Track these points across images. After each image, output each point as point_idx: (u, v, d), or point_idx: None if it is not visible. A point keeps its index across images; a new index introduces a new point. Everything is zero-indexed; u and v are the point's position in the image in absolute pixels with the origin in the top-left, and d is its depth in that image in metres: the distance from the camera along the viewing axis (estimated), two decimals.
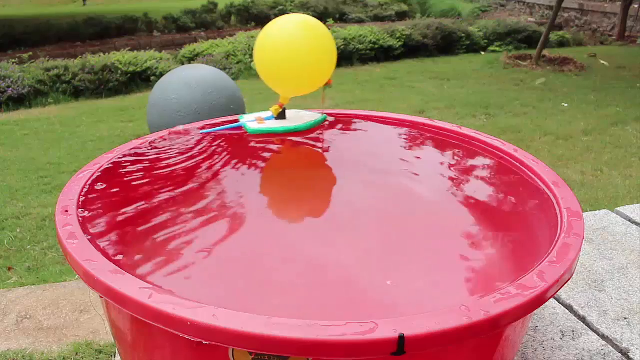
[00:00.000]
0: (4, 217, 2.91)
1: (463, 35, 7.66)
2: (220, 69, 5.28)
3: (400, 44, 7.16)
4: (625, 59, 7.07)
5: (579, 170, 3.51)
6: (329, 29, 1.69)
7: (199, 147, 1.60)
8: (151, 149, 1.53)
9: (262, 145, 1.64)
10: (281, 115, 1.67)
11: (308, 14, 2.16)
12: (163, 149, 1.55)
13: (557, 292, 0.94)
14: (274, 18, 1.68)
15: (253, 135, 1.64)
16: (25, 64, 5.88)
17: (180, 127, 1.63)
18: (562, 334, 1.40)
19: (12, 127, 4.57)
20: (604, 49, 7.95)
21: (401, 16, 10.55)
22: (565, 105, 5.08)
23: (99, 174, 1.31)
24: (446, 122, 1.73)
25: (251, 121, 1.68)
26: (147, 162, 1.47)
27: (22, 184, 3.36)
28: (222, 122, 1.70)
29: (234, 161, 1.55)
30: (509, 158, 1.48)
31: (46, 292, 2.11)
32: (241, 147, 1.63)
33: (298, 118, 1.70)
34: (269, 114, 1.68)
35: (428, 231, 1.28)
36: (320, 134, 1.71)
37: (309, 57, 1.56)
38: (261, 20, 9.45)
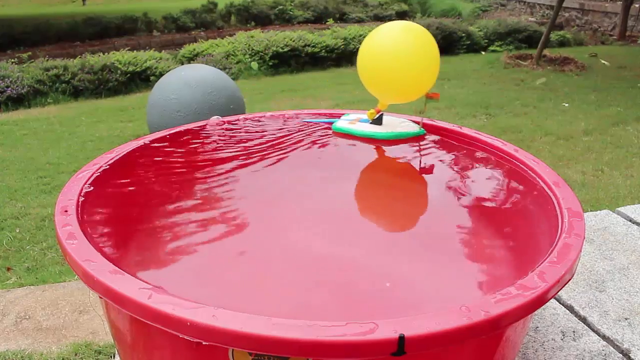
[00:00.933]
0: (3, 217, 2.90)
1: (463, 35, 7.66)
2: (220, 69, 5.27)
3: None
4: (626, 59, 7.07)
5: (580, 170, 3.51)
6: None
7: (197, 147, 1.60)
8: (150, 149, 1.52)
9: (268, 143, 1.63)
10: (377, 121, 1.63)
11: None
12: (163, 149, 1.54)
13: (557, 292, 0.94)
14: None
15: (337, 133, 1.66)
16: (24, 64, 5.88)
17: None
18: (563, 335, 1.40)
19: (11, 127, 4.56)
20: (605, 48, 7.95)
21: (401, 16, 10.55)
22: (566, 105, 5.08)
23: (99, 174, 1.31)
24: (446, 122, 1.73)
25: (345, 120, 1.68)
26: (146, 162, 1.47)
27: (21, 184, 3.35)
28: (326, 114, 1.76)
29: (238, 159, 1.55)
30: (509, 158, 1.47)
31: (45, 292, 2.11)
32: (242, 148, 1.63)
33: (391, 126, 1.65)
34: (366, 116, 1.67)
35: (428, 231, 1.27)
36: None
37: (414, 63, 1.54)
38: (261, 20, 9.43)
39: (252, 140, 1.67)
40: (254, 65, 6.33)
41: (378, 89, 1.63)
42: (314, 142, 1.64)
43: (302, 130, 1.71)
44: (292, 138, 1.66)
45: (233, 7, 9.82)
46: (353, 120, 1.68)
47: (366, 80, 1.62)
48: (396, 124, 1.66)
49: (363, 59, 1.61)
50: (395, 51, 1.54)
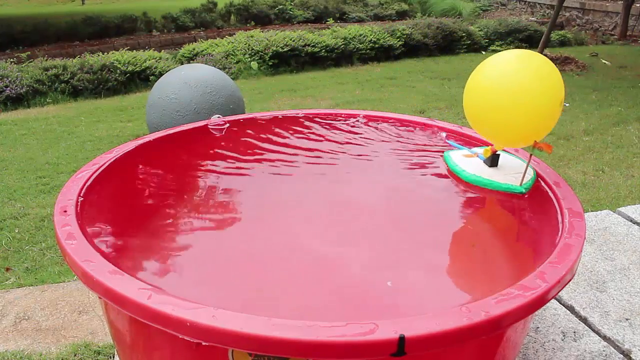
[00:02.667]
0: (2, 217, 2.90)
1: (464, 34, 7.65)
2: (220, 69, 5.27)
3: (400, 43, 7.15)
4: (627, 59, 7.06)
5: (581, 171, 3.50)
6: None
7: (194, 148, 1.60)
8: (150, 151, 1.52)
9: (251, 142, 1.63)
10: (493, 162, 1.44)
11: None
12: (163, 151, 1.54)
13: (558, 292, 0.94)
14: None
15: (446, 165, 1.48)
16: (23, 64, 5.87)
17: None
18: (564, 335, 1.39)
19: (10, 127, 4.56)
20: (606, 48, 7.94)
21: (401, 15, 10.54)
22: (567, 104, 5.07)
23: (98, 174, 1.30)
24: (447, 122, 1.72)
25: (460, 153, 1.52)
26: (146, 163, 1.46)
27: (21, 184, 3.35)
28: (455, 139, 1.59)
29: (238, 162, 1.54)
30: None
31: (44, 292, 2.10)
32: (243, 148, 1.62)
33: (508, 168, 1.43)
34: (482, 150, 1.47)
35: (428, 231, 1.27)
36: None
37: (532, 104, 1.26)
38: (261, 19, 9.42)
39: (262, 142, 1.66)
40: (254, 65, 6.33)
41: (483, 128, 1.39)
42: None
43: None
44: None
45: (233, 7, 9.81)
46: (470, 154, 1.50)
47: (472, 119, 1.39)
48: (511, 165, 1.44)
49: (470, 95, 1.37)
50: (510, 88, 1.26)
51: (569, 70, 6.36)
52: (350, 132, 1.74)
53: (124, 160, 1.39)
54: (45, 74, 5.49)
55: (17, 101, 5.24)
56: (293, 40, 6.54)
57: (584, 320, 1.45)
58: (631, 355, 1.32)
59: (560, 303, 1.53)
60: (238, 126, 1.68)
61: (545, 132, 1.32)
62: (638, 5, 8.71)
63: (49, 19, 8.72)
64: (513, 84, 1.26)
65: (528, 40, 7.92)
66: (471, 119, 1.40)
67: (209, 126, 1.60)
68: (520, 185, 1.32)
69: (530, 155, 1.36)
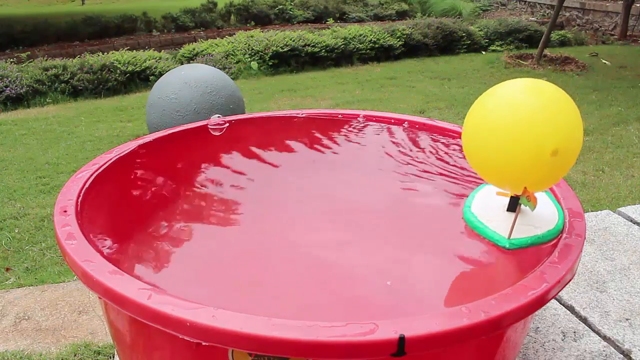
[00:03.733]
0: (2, 217, 2.90)
1: (464, 34, 7.65)
2: (220, 69, 5.27)
3: (400, 43, 7.15)
4: (627, 59, 7.06)
5: (581, 170, 3.50)
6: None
7: (193, 149, 1.60)
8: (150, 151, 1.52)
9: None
10: (511, 206, 1.19)
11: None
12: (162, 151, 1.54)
13: (558, 292, 0.94)
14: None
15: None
16: (23, 64, 5.87)
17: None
18: (564, 335, 1.39)
19: (10, 127, 4.56)
20: (606, 48, 7.94)
21: (401, 15, 10.54)
22: None
23: (98, 174, 1.30)
24: (447, 122, 1.72)
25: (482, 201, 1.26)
26: (146, 163, 1.46)
27: (20, 184, 3.35)
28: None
29: (238, 161, 1.54)
30: None
31: (44, 292, 2.10)
32: (243, 147, 1.62)
33: (531, 217, 1.17)
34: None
35: (428, 231, 1.27)
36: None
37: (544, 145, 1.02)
38: (261, 19, 9.42)
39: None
40: (254, 65, 6.33)
41: (482, 168, 1.16)
42: None
43: None
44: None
45: (233, 7, 9.80)
46: (504, 193, 1.20)
47: (473, 161, 1.17)
48: (528, 220, 1.16)
49: (469, 132, 1.16)
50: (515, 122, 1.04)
51: (569, 70, 6.36)
52: (351, 132, 1.75)
53: (124, 160, 1.39)
54: (45, 74, 5.49)
55: (17, 101, 5.24)
56: (293, 40, 6.54)
57: (584, 320, 1.45)
58: (631, 355, 1.32)
59: (560, 303, 1.53)
60: (238, 126, 1.68)
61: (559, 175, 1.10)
62: (638, 5, 8.70)
63: (49, 19, 8.72)
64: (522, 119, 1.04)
65: (528, 40, 7.92)
66: (473, 161, 1.18)
67: (208, 126, 1.60)
68: (508, 238, 1.12)
69: (519, 205, 1.14)
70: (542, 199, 1.19)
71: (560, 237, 1.06)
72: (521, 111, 1.04)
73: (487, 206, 1.23)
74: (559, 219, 1.13)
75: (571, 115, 1.05)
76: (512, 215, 1.15)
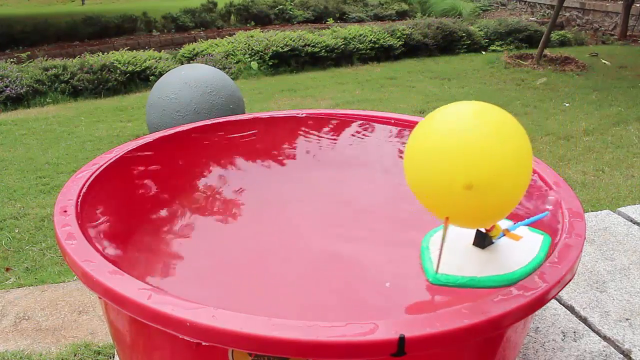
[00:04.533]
0: (2, 217, 2.90)
1: (464, 34, 7.65)
2: (220, 69, 5.27)
3: (400, 43, 7.15)
4: (627, 59, 7.06)
5: (581, 171, 3.50)
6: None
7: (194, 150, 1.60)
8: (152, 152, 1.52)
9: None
10: (478, 242, 1.10)
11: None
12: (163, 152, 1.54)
13: (558, 293, 0.94)
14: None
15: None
16: (23, 64, 5.87)
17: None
18: (564, 335, 1.39)
19: (10, 127, 4.56)
20: (606, 48, 7.94)
21: (401, 15, 10.54)
22: (567, 105, 5.08)
23: (98, 174, 1.30)
24: None
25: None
26: (146, 163, 1.46)
27: (20, 184, 3.35)
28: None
29: (237, 162, 1.54)
30: None
31: (44, 292, 2.10)
32: (243, 147, 1.62)
33: (500, 253, 1.08)
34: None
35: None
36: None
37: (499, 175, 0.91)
38: (261, 19, 9.42)
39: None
40: (254, 65, 6.33)
41: (432, 204, 1.01)
42: None
43: None
44: None
45: (233, 7, 9.80)
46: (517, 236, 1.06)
47: (417, 190, 1.02)
48: (494, 256, 1.08)
49: (411, 157, 1.01)
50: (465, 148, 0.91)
51: (569, 70, 6.36)
52: (351, 132, 1.75)
53: (124, 160, 1.39)
54: (45, 74, 5.49)
55: (17, 101, 5.24)
56: (293, 40, 6.54)
57: (584, 320, 1.45)
58: (631, 355, 1.32)
59: (560, 303, 1.53)
60: (238, 126, 1.68)
61: (510, 207, 0.97)
62: (638, 5, 8.70)
63: (49, 19, 8.72)
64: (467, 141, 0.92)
65: (528, 40, 7.92)
66: (416, 191, 1.03)
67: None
68: (435, 272, 1.03)
69: (443, 239, 1.00)
70: (531, 244, 1.07)
71: (509, 287, 0.89)
72: (439, 137, 0.93)
73: (456, 233, 1.09)
74: (522, 270, 1.00)
75: (506, 147, 0.94)
76: (475, 249, 1.06)
